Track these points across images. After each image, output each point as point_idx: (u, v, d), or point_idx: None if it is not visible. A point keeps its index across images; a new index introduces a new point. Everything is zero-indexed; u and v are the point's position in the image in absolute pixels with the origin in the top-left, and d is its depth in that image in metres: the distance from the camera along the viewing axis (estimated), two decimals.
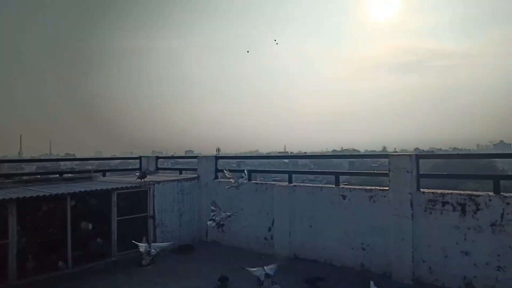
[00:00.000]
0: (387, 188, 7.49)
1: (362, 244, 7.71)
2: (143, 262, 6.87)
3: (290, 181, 9.27)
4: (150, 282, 7.35)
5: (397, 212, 7.19)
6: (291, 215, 8.69)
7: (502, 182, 6.54)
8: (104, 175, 11.31)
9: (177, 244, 9.81)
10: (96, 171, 11.61)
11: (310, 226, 8.48)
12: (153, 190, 9.52)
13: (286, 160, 17.64)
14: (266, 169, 12.94)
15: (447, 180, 8.33)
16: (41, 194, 7.67)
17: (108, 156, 18.13)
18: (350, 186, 8.32)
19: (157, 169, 12.57)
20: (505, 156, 9.27)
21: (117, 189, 8.74)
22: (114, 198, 8.65)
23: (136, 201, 9.27)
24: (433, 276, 6.87)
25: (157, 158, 13.00)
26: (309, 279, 6.87)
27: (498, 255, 6.24)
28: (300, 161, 19.64)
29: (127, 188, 8.99)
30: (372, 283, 6.19)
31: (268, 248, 9.11)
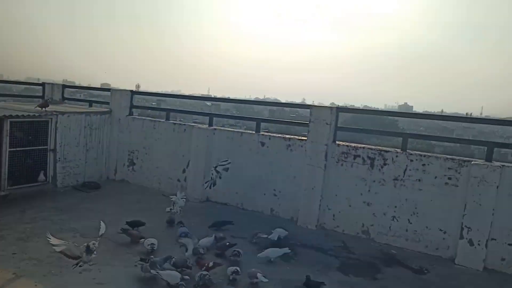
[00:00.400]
0: (305, 138, 7.56)
1: (274, 190, 7.84)
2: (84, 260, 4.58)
3: (210, 124, 8.91)
4: (46, 220, 6.72)
5: (312, 162, 7.34)
6: (208, 159, 8.46)
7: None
8: None
9: (80, 181, 9.11)
10: None
11: (226, 170, 8.36)
12: (56, 122, 8.51)
13: (208, 103, 17.17)
14: (187, 109, 12.37)
15: (355, 135, 8.71)
16: None
17: (8, 79, 15.80)
18: (269, 134, 8.28)
19: (64, 99, 11.29)
20: (408, 115, 9.91)
21: (10, 116, 7.62)
22: (7, 126, 7.55)
23: (34, 132, 8.21)
24: (335, 223, 7.28)
25: (64, 86, 11.63)
26: (215, 223, 6.81)
27: (395, 207, 6.75)
28: (223, 105, 19.24)
29: (23, 116, 7.89)
30: (281, 229, 6.42)
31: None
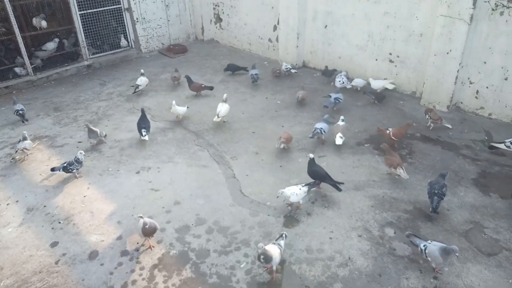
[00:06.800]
0: None
1: (390, 54, 5.75)
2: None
3: None
4: (122, 96, 6.14)
5: (449, 11, 4.85)
6: (302, 11, 6.49)
7: None
8: None
9: (166, 44, 8.18)
10: None
11: (326, 26, 6.38)
12: None
13: None
14: None
15: None
16: None
17: None
18: None
19: None
20: None
21: None
22: None
23: None
24: (478, 103, 5.25)
25: None
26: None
27: None
28: None
29: None
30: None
31: (272, 52, 7.35)
